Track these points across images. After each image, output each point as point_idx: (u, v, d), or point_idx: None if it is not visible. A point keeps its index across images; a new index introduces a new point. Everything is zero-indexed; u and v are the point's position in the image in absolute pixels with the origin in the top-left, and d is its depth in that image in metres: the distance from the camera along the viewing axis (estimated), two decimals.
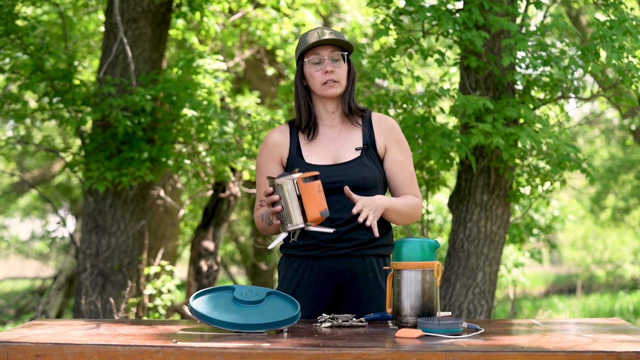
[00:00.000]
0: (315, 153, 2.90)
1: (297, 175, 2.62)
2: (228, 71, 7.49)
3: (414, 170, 2.97)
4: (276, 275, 3.10)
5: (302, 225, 2.62)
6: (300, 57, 2.91)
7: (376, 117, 2.97)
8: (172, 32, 6.50)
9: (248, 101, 6.76)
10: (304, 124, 2.92)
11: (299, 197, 2.61)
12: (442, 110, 4.85)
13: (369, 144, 2.90)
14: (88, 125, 6.18)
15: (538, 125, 4.59)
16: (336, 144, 2.91)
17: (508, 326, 2.70)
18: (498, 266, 4.77)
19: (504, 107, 4.46)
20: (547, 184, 4.85)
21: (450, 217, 7.82)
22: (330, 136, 2.93)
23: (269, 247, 2.70)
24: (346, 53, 2.91)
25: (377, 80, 5.38)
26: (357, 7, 7.39)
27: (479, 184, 4.70)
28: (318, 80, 2.87)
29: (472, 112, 4.38)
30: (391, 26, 4.57)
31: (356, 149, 2.89)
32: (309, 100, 2.92)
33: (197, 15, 6.00)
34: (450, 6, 4.57)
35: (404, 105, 4.76)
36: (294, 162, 2.89)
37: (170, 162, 5.38)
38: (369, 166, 2.87)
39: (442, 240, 7.82)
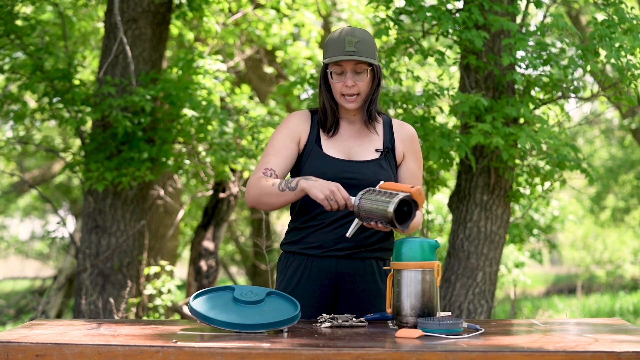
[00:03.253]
0: (333, 146, 2.90)
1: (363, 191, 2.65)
2: (228, 71, 7.50)
3: (422, 182, 2.99)
4: (275, 276, 3.08)
5: (403, 197, 2.61)
6: (323, 61, 2.89)
7: (397, 123, 2.97)
8: (170, 28, 6.50)
9: (245, 100, 6.76)
10: (328, 124, 2.91)
11: (379, 192, 2.62)
12: (441, 109, 4.86)
13: (389, 149, 2.91)
14: (88, 125, 6.18)
15: (538, 125, 4.60)
16: (355, 142, 2.91)
17: (508, 326, 2.70)
18: (498, 266, 4.77)
19: (504, 106, 4.46)
20: (547, 184, 4.85)
21: (450, 217, 7.82)
22: (349, 132, 2.93)
23: (348, 235, 2.69)
24: (370, 67, 2.86)
25: None
26: (357, 6, 7.38)
27: (479, 184, 4.70)
28: (338, 91, 2.86)
29: (468, 110, 4.39)
30: (391, 25, 4.57)
31: (376, 150, 2.90)
32: (334, 103, 2.91)
33: (197, 14, 6.01)
34: (450, 6, 4.57)
35: (404, 106, 4.76)
36: (312, 150, 2.88)
37: (170, 162, 5.38)
38: (385, 169, 2.87)
39: (442, 240, 7.82)
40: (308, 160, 2.88)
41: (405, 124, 2.99)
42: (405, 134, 2.95)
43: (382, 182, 2.72)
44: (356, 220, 2.70)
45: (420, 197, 2.63)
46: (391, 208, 2.56)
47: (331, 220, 2.84)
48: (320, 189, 2.64)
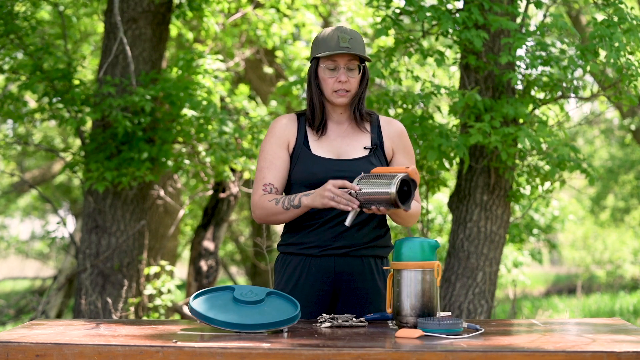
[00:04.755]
0: (322, 146, 2.90)
1: (359, 176, 2.69)
2: (228, 71, 7.50)
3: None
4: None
5: (403, 177, 2.64)
6: (316, 56, 2.89)
7: (384, 120, 2.98)
8: (170, 28, 6.51)
9: (246, 100, 6.77)
10: (316, 122, 2.92)
11: (376, 176, 2.65)
12: (438, 109, 4.86)
13: (378, 145, 2.91)
14: (88, 125, 6.17)
15: (537, 125, 4.60)
16: (343, 141, 2.92)
17: (508, 326, 2.70)
18: (498, 266, 4.77)
19: (503, 105, 4.46)
20: (547, 184, 4.85)
21: (450, 217, 7.82)
22: (337, 132, 2.94)
23: (347, 224, 2.69)
24: (363, 64, 2.89)
25: (377, 80, 5.38)
26: (356, 7, 7.38)
27: (479, 184, 4.70)
28: (330, 87, 2.87)
29: (464, 105, 4.39)
30: (390, 25, 4.56)
31: (364, 147, 2.90)
32: (323, 100, 2.92)
33: (197, 14, 6.01)
34: (450, 6, 4.58)
35: (404, 105, 4.76)
36: (300, 152, 2.89)
37: (170, 163, 5.38)
38: (375, 166, 2.88)
39: (442, 240, 7.82)
40: (298, 163, 2.88)
41: (393, 121, 3.00)
42: (393, 131, 2.97)
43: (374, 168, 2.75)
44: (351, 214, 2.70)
45: (417, 176, 2.68)
46: (393, 189, 2.59)
47: (327, 219, 2.85)
48: (320, 198, 2.71)
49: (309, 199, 2.75)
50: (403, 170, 2.65)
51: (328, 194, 2.68)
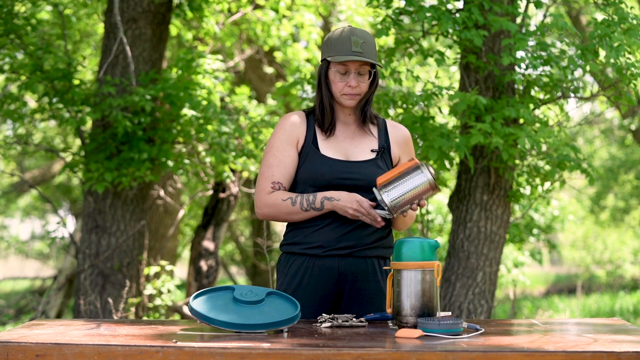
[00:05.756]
0: (330, 147, 2.90)
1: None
2: (228, 71, 7.50)
3: None
4: (275, 276, 3.11)
5: (424, 163, 2.74)
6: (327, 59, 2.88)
7: (391, 124, 3.00)
8: (170, 28, 6.51)
9: (245, 100, 6.77)
10: (326, 123, 2.91)
11: (396, 179, 2.72)
12: (439, 110, 4.86)
13: (385, 149, 2.92)
14: (88, 125, 6.17)
15: (537, 125, 4.60)
16: (351, 143, 2.92)
17: (508, 326, 2.70)
18: (498, 266, 4.77)
19: (504, 107, 4.46)
20: (547, 184, 4.85)
21: (450, 217, 7.82)
22: (345, 133, 2.94)
23: (382, 219, 2.75)
24: (374, 70, 2.89)
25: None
26: (356, 7, 7.39)
27: (479, 184, 4.70)
28: (339, 90, 2.87)
29: (466, 108, 4.39)
30: (390, 25, 4.56)
31: (372, 150, 2.91)
32: (332, 101, 2.91)
33: (197, 14, 6.01)
34: (450, 6, 4.57)
35: (404, 105, 4.76)
36: (309, 151, 2.89)
37: (170, 163, 5.38)
38: (382, 169, 2.89)
39: (442, 240, 7.82)
40: (306, 162, 2.88)
41: (399, 125, 3.01)
42: (400, 136, 2.98)
43: (377, 179, 2.79)
44: (385, 212, 2.75)
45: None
46: (429, 176, 2.69)
47: (332, 219, 2.85)
48: (346, 207, 2.77)
49: (333, 204, 2.79)
50: (411, 163, 2.73)
51: (352, 212, 2.76)
